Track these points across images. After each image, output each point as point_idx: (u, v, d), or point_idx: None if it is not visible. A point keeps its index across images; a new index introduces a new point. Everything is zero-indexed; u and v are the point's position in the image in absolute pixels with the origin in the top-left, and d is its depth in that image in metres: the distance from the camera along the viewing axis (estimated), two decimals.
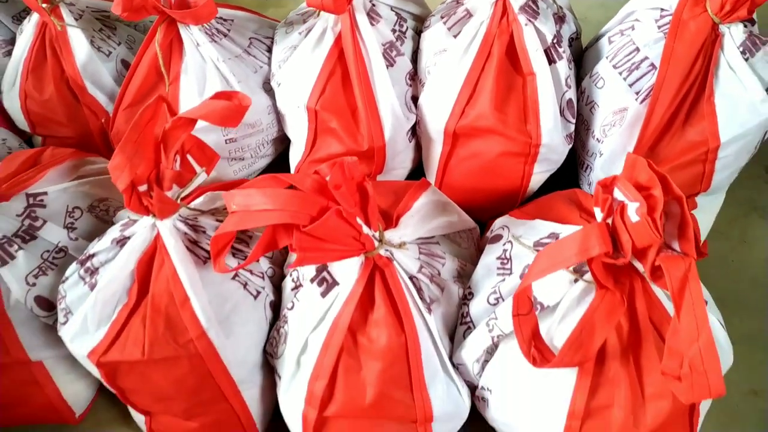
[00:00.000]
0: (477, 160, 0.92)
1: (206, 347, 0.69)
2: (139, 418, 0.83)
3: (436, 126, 0.92)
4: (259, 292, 0.76)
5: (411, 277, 0.70)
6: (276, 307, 0.78)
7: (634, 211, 0.55)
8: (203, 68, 0.96)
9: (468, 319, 0.73)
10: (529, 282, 0.59)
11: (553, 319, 0.64)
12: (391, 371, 0.68)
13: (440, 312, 0.72)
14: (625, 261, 0.56)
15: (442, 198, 0.81)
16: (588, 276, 0.62)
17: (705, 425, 0.82)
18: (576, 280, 0.64)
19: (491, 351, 0.70)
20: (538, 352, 0.61)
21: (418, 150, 1.02)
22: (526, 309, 0.61)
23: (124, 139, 0.68)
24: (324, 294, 0.71)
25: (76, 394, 0.89)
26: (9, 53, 1.14)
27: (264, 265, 0.79)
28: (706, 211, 0.92)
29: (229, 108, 0.68)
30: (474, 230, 0.85)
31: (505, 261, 0.73)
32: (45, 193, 0.86)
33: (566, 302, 0.63)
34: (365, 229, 0.66)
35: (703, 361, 0.50)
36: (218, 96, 0.70)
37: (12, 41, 1.16)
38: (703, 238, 0.94)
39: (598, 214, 0.58)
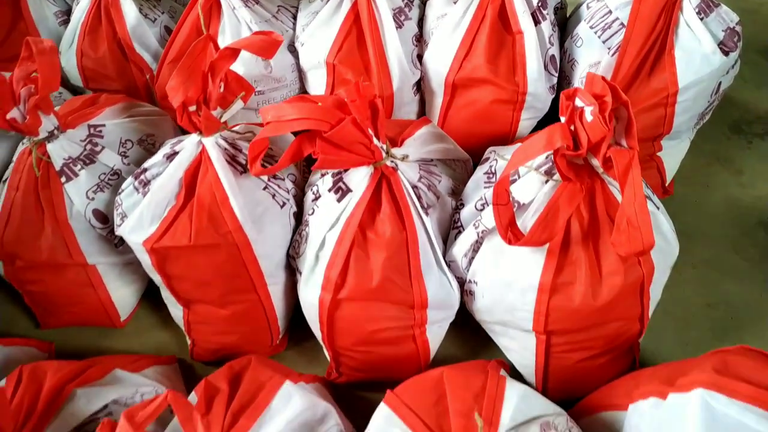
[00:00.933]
0: (472, 107, 1.07)
1: (242, 239, 0.84)
2: (178, 316, 0.97)
3: (438, 78, 1.07)
4: (284, 203, 0.90)
5: (413, 186, 0.84)
6: (298, 218, 0.93)
7: (589, 112, 0.69)
8: (238, 29, 1.11)
9: (459, 224, 0.87)
10: (508, 172, 0.72)
11: (527, 213, 0.78)
12: (393, 260, 0.82)
13: (436, 216, 0.86)
14: (582, 154, 0.70)
15: (440, 131, 0.96)
16: (557, 176, 0.76)
17: (664, 333, 0.95)
18: (546, 181, 0.77)
19: (476, 249, 0.84)
20: (513, 235, 0.74)
21: (422, 105, 1.17)
22: (504, 200, 0.74)
23: (178, 67, 0.83)
24: (339, 200, 0.85)
25: (122, 298, 1.04)
26: (65, 22, 1.31)
27: (289, 185, 0.94)
28: (672, 155, 1.06)
29: (266, 41, 0.83)
30: (467, 162, 0.99)
31: (491, 175, 0.87)
32: (103, 125, 1.01)
33: (538, 199, 0.77)
34: (375, 141, 0.80)
35: (638, 218, 0.63)
36: (257, 33, 0.86)
37: (68, 12, 1.33)
38: (669, 179, 1.08)
39: (562, 119, 0.72)
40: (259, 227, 0.86)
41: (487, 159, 0.91)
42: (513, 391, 0.69)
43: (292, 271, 0.94)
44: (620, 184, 0.67)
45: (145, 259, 0.88)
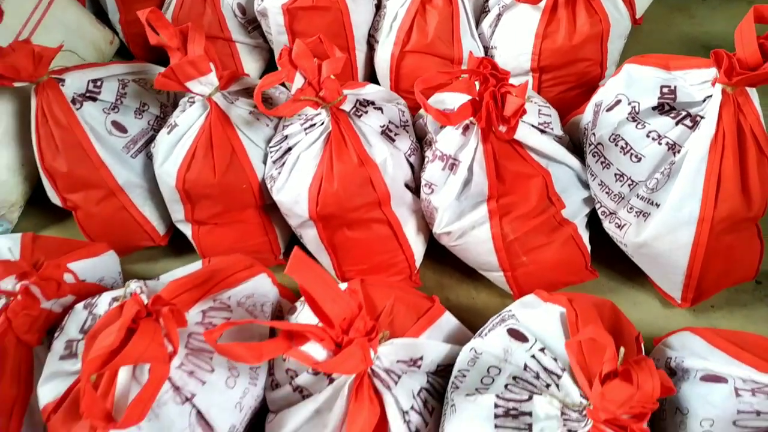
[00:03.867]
0: None
1: (344, 6, 1.28)
2: None
3: None
4: None
5: None
6: (377, 7, 1.37)
7: None
8: None
9: (487, 8, 1.30)
10: None
11: None
12: (442, 24, 1.26)
13: (472, 0, 1.30)
14: None
15: None
16: None
17: None
18: None
19: (497, 23, 1.27)
20: None
21: None
22: None
23: None
24: None
25: (251, 71, 1.50)
26: None
27: None
28: None
29: None
30: None
31: None
32: None
33: None
34: None
35: None
36: None
37: None
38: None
39: None
40: (355, 1, 1.30)
41: None
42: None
43: (371, 47, 1.38)
44: None
45: (279, 21, 1.33)
